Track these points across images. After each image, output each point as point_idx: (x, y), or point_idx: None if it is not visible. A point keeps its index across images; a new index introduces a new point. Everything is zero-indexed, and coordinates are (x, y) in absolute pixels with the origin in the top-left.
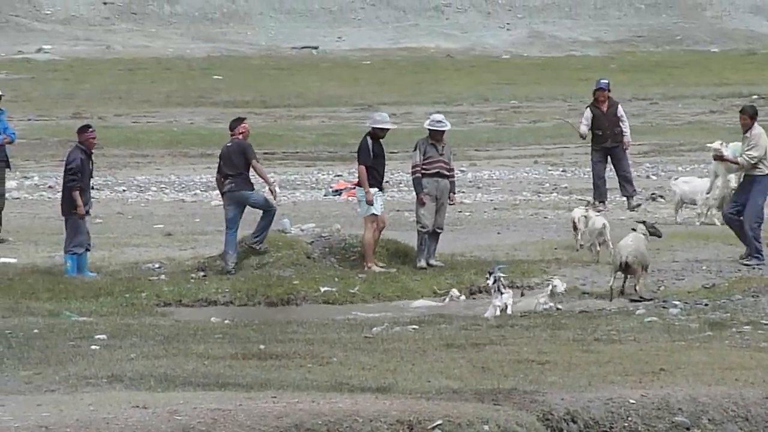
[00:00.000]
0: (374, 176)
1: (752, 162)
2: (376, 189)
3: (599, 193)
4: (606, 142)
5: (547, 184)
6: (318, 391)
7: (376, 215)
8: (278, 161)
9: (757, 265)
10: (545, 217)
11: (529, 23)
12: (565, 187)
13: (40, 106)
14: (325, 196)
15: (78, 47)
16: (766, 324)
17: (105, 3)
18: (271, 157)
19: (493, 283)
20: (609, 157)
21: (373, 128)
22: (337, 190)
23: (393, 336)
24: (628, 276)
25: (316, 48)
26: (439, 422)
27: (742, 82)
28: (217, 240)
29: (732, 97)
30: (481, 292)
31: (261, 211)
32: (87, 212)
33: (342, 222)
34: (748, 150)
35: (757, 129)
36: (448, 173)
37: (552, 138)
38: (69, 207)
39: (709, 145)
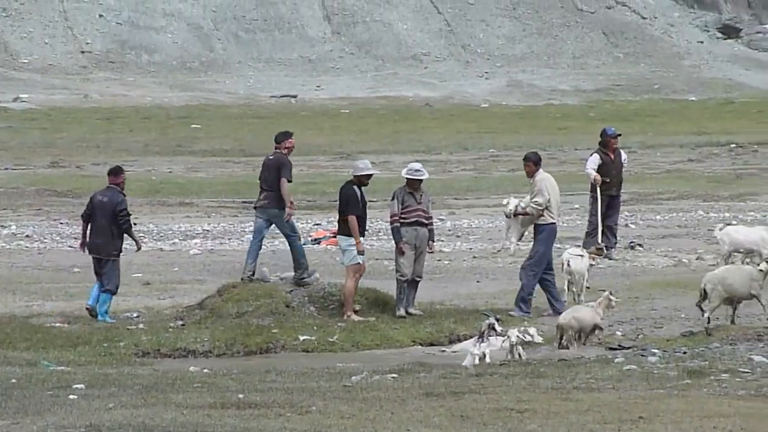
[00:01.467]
0: (359, 224)
1: (539, 209)
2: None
3: (607, 238)
4: (611, 189)
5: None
6: None
7: (360, 264)
8: None
9: (523, 314)
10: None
11: (508, 72)
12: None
13: (18, 155)
14: (303, 245)
15: (55, 96)
16: (744, 372)
17: (83, 52)
18: (250, 206)
19: (487, 328)
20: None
21: (357, 176)
22: (316, 239)
23: (372, 385)
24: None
25: (294, 97)
26: None
27: (720, 131)
28: (196, 289)
29: (710, 146)
30: (460, 340)
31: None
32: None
33: (321, 271)
34: (533, 198)
35: (540, 175)
36: (426, 222)
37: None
38: (114, 248)
39: (504, 202)
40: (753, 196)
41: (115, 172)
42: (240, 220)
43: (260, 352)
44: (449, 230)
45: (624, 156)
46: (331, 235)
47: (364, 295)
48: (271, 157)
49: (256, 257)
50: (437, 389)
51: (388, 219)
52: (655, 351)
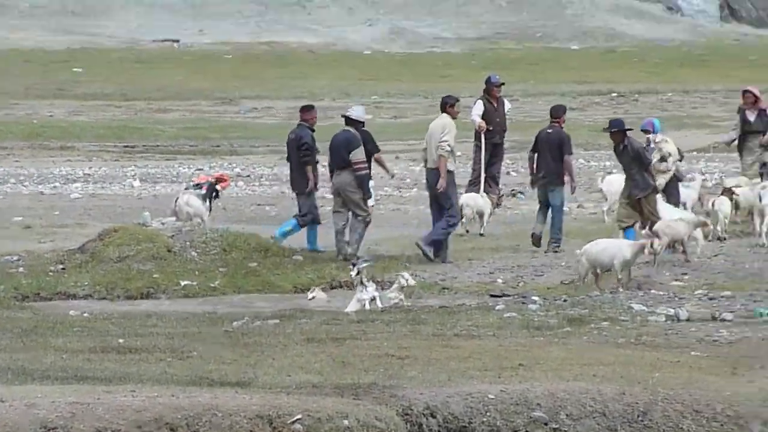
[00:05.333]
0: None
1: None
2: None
3: (489, 186)
4: (495, 137)
5: (408, 180)
6: (178, 385)
7: None
8: (139, 154)
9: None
10: (406, 213)
11: (391, 19)
12: (426, 182)
13: None
14: (186, 189)
15: None
16: (623, 320)
17: None
18: (131, 151)
19: (357, 275)
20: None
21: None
22: (198, 184)
23: (253, 330)
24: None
25: (177, 41)
26: (298, 417)
27: (602, 80)
28: (77, 233)
29: (591, 95)
30: (341, 286)
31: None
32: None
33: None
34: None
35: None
36: None
37: (413, 134)
38: (302, 183)
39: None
40: None
41: (304, 109)
42: (121, 165)
43: (141, 296)
44: None
45: (507, 104)
46: (213, 180)
47: (247, 241)
48: (549, 131)
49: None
50: (319, 335)
51: (356, 166)
52: (536, 299)
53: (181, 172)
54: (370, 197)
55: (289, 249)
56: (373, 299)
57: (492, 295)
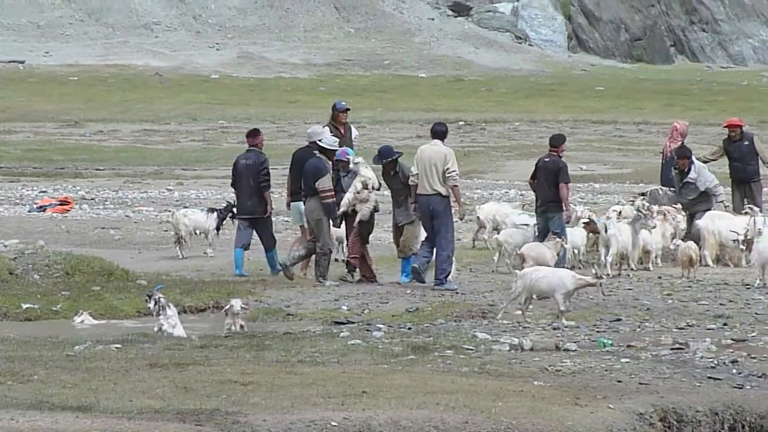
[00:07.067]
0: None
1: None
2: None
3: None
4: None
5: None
6: (18, 409)
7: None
8: None
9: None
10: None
11: (239, 44)
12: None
13: None
14: (29, 212)
15: None
16: (468, 349)
17: None
18: None
19: (154, 305)
20: None
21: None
22: (41, 207)
23: (96, 354)
24: None
25: (22, 62)
26: None
27: (449, 108)
28: None
29: None
30: (185, 311)
31: None
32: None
33: (46, 239)
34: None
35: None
36: None
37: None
38: (260, 207)
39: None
40: (480, 174)
41: (252, 134)
42: None
43: None
44: (177, 201)
45: (354, 131)
46: (57, 203)
47: (90, 264)
48: (547, 160)
49: None
50: (161, 360)
51: (325, 193)
52: (381, 326)
53: (25, 194)
54: (337, 226)
55: (133, 273)
56: (174, 326)
57: (336, 322)
